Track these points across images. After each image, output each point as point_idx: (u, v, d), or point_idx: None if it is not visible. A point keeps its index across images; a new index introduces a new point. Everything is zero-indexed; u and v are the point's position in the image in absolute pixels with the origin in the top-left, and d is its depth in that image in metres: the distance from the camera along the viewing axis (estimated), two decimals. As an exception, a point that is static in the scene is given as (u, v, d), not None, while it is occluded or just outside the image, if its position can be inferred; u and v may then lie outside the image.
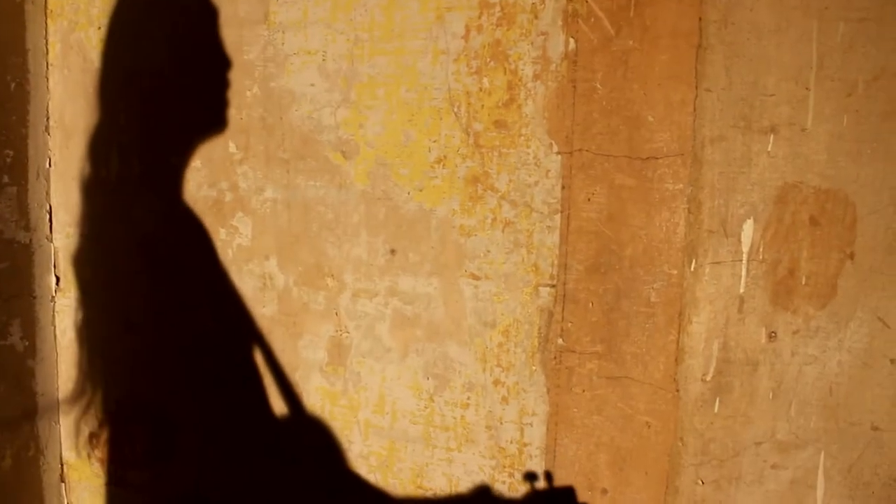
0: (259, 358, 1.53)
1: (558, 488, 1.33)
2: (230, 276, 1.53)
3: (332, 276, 1.45)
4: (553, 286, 1.29)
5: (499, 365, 1.35)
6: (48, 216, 1.69)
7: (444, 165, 1.34)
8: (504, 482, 1.36)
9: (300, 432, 1.52)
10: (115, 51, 1.59)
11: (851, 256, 1.12)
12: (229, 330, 1.55)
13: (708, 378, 1.21)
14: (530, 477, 1.35)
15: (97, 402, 1.71)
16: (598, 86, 1.23)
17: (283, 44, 1.44)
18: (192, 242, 1.56)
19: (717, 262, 1.19)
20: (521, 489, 1.35)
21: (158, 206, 1.58)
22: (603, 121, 1.23)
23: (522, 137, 1.28)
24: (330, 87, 1.41)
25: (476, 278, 1.34)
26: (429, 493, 1.43)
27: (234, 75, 1.48)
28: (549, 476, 1.33)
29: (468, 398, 1.38)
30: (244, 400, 1.55)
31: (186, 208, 1.55)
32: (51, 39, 1.65)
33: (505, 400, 1.35)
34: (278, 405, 1.52)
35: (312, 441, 1.51)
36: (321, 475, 1.51)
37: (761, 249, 1.16)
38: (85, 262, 1.68)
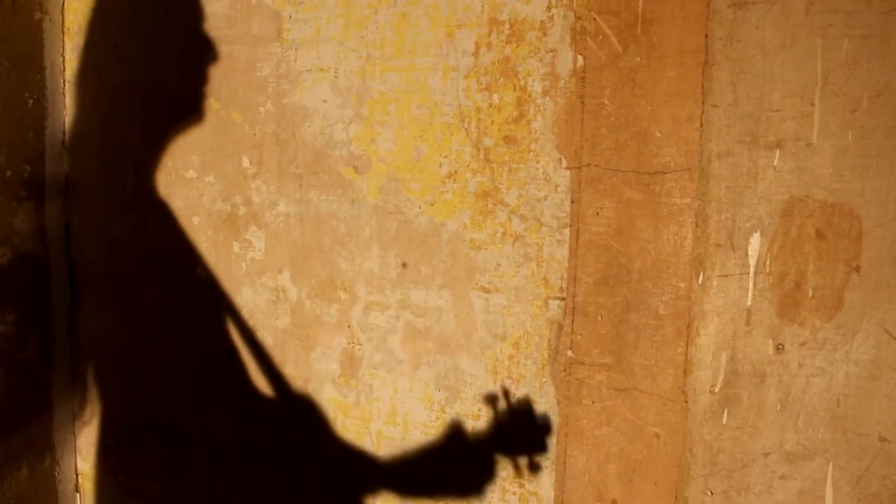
0: (268, 369, 1.55)
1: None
2: (237, 290, 1.56)
3: (345, 289, 1.47)
4: (563, 299, 1.31)
5: (509, 377, 1.36)
6: (64, 230, 1.71)
7: (454, 180, 1.36)
8: (514, 493, 1.38)
9: (311, 444, 1.53)
10: (130, 68, 1.62)
11: (857, 269, 1.14)
12: (239, 343, 1.57)
13: (716, 389, 1.22)
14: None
15: (112, 414, 1.74)
16: (607, 102, 1.25)
17: (295, 61, 1.46)
18: (202, 256, 1.58)
19: (725, 275, 1.20)
20: (526, 491, 1.37)
21: (172, 220, 1.61)
22: (611, 136, 1.25)
23: (532, 153, 1.30)
24: (342, 104, 1.43)
25: (487, 291, 1.36)
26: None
27: (248, 92, 1.51)
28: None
29: (479, 409, 1.39)
30: (255, 412, 1.57)
31: (189, 223, 1.58)
32: (68, 57, 1.68)
33: (515, 411, 1.37)
34: (289, 417, 1.54)
35: (324, 452, 1.52)
36: (333, 487, 1.53)
37: (768, 262, 1.18)
38: (100, 275, 1.71)
